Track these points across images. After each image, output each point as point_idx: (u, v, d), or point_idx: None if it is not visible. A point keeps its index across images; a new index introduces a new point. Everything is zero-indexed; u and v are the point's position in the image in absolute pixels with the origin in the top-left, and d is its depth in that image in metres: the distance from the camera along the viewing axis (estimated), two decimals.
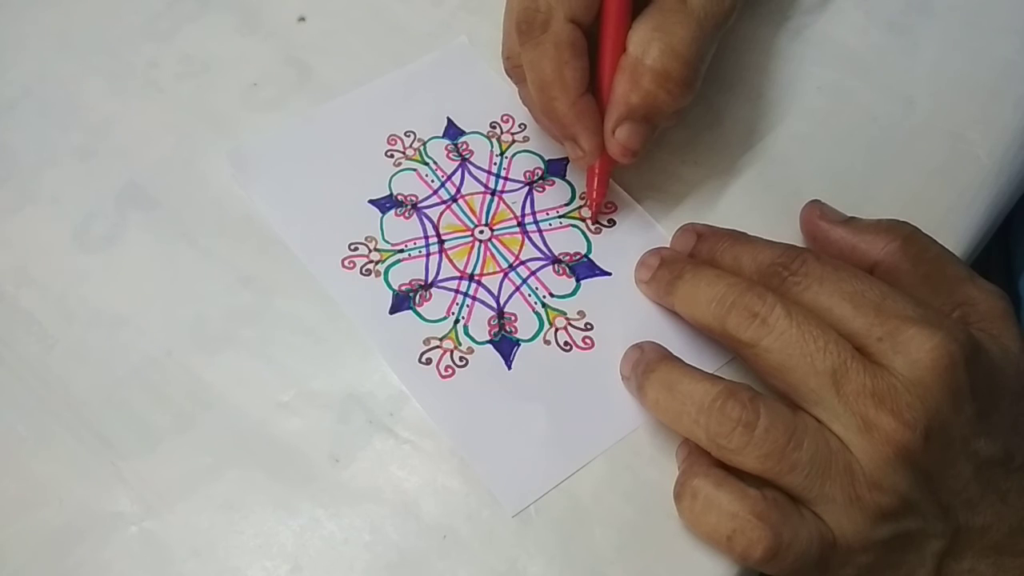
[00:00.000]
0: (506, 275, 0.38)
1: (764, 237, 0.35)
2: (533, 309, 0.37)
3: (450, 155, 0.41)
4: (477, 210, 0.39)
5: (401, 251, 0.38)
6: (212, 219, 0.39)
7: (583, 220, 0.39)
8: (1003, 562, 0.31)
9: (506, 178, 0.40)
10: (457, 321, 0.36)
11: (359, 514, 0.33)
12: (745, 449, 0.30)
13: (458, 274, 0.38)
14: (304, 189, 0.40)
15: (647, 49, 0.35)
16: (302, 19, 0.45)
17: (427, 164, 0.40)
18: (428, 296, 0.37)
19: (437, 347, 0.36)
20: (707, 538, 0.31)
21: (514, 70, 0.38)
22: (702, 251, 0.36)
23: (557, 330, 0.36)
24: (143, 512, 0.33)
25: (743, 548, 0.30)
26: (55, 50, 0.44)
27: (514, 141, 0.41)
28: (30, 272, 0.38)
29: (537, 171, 0.40)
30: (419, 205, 0.39)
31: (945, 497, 0.30)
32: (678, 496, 0.32)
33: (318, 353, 0.36)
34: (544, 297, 0.37)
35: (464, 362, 0.36)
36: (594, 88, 0.36)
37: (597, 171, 0.37)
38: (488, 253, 0.38)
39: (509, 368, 0.36)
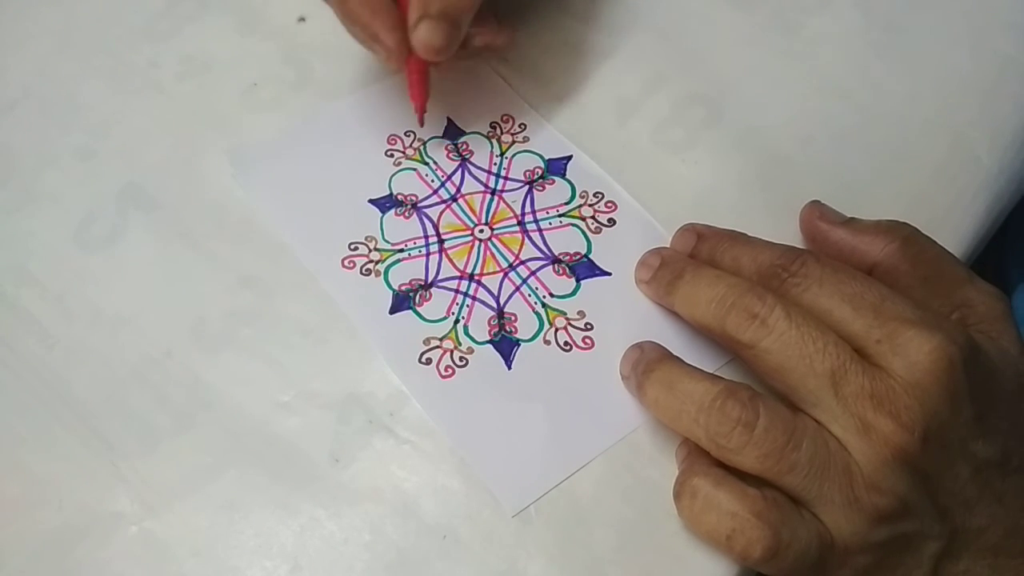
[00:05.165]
0: (506, 275, 0.38)
1: (764, 238, 0.35)
2: (533, 309, 0.37)
3: (450, 155, 0.41)
4: (477, 209, 0.39)
5: (401, 251, 0.38)
6: (212, 219, 0.39)
7: (583, 219, 0.39)
8: (999, 563, 0.31)
9: (506, 178, 0.40)
10: (457, 321, 0.36)
11: (359, 514, 0.33)
12: (744, 449, 0.30)
13: (458, 274, 0.38)
14: (304, 189, 0.40)
15: None
16: (302, 19, 0.45)
17: (427, 164, 0.40)
18: (428, 296, 0.37)
19: (437, 347, 0.36)
20: (706, 537, 0.31)
21: None
22: (702, 251, 0.36)
23: (557, 330, 0.36)
24: (143, 512, 0.33)
25: (742, 547, 0.30)
26: (55, 50, 0.44)
27: (514, 142, 0.41)
28: (30, 272, 0.38)
29: (537, 170, 0.40)
30: (419, 205, 0.39)
31: (943, 499, 0.30)
32: (677, 495, 0.32)
33: (318, 353, 0.36)
34: (544, 297, 0.37)
35: (464, 362, 0.36)
36: None
37: (414, 74, 0.38)
38: (488, 252, 0.38)
39: (509, 368, 0.36)
